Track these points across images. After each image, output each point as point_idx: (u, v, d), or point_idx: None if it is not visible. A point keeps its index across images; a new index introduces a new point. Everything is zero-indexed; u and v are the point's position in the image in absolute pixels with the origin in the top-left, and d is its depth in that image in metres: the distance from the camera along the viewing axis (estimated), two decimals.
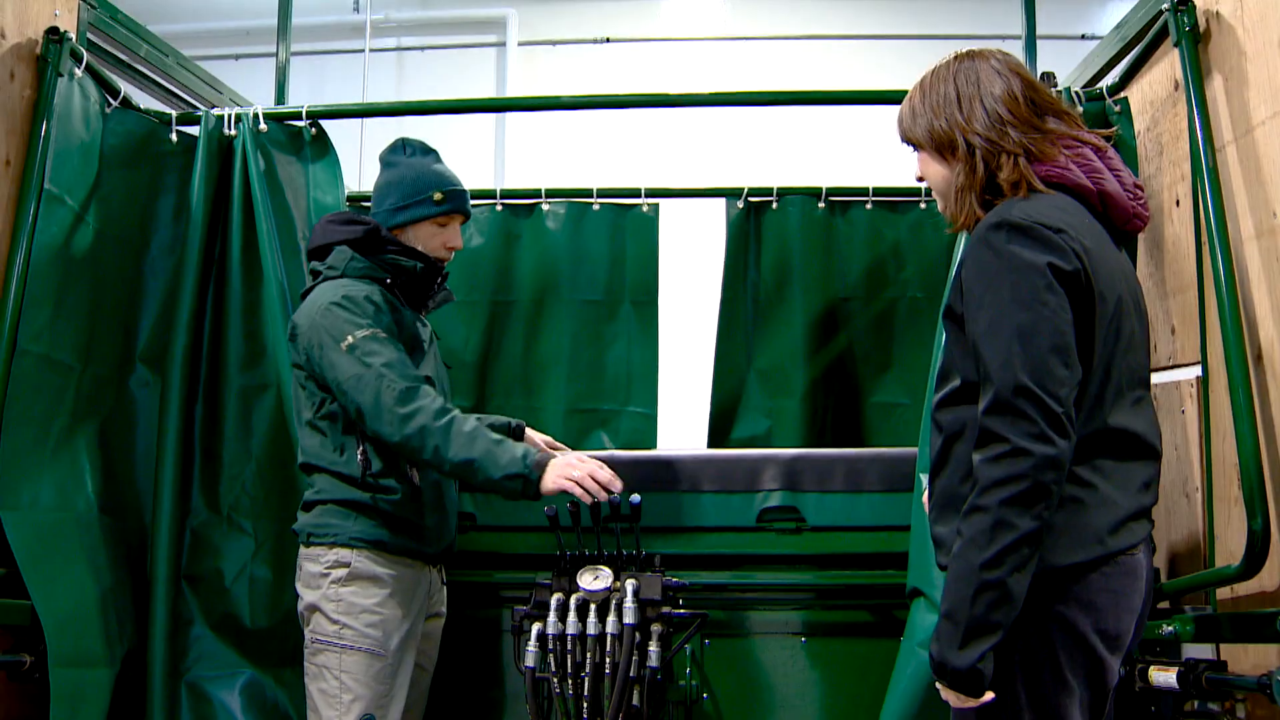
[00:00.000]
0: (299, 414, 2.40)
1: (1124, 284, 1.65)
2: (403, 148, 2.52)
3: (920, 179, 1.82)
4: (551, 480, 2.18)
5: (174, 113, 2.91)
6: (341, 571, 2.27)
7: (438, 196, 2.46)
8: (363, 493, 2.29)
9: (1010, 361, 1.51)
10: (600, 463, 2.24)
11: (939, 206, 1.81)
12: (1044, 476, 1.47)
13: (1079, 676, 1.55)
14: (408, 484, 2.32)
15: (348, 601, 2.25)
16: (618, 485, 2.24)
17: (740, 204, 3.56)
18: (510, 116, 5.71)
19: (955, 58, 1.75)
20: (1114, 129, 2.35)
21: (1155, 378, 2.66)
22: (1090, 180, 1.66)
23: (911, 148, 1.81)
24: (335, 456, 2.31)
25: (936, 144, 1.73)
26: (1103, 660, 1.57)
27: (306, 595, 2.30)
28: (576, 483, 2.19)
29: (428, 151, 2.54)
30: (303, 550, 2.34)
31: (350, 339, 2.24)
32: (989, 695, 1.52)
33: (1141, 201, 1.71)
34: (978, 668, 1.48)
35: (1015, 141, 1.66)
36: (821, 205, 3.54)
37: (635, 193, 3.60)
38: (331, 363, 2.24)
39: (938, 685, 1.56)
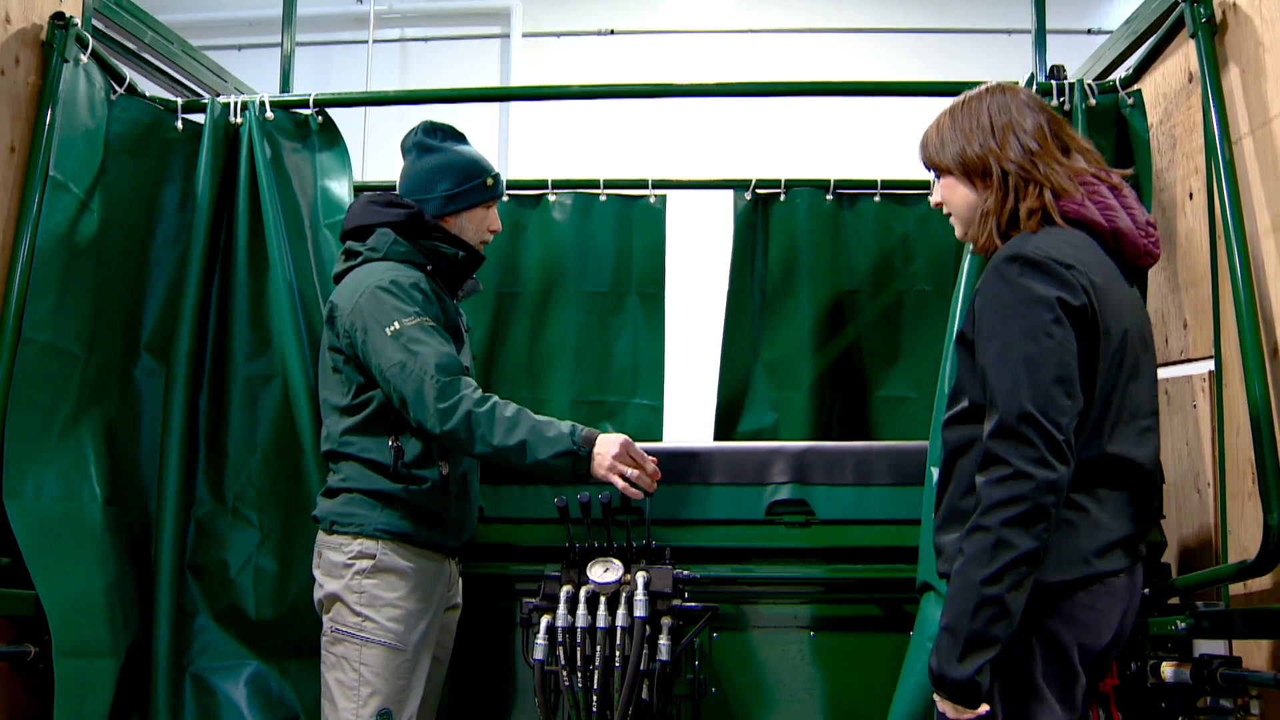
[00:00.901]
0: (326, 399, 2.37)
1: (1131, 318, 1.71)
2: (434, 132, 2.49)
3: (938, 205, 1.87)
4: (603, 470, 2.18)
5: (179, 100, 2.88)
6: (366, 563, 2.24)
7: (489, 181, 2.47)
8: (392, 483, 2.26)
9: (1016, 389, 1.58)
10: (647, 455, 2.23)
11: (957, 232, 1.87)
12: (1044, 499, 1.54)
13: (1053, 687, 1.62)
14: (438, 476, 2.29)
15: (370, 594, 2.23)
16: (656, 478, 2.25)
17: (748, 196, 3.54)
18: (514, 108, 5.68)
19: (986, 90, 1.84)
20: (1131, 169, 2.38)
21: (1167, 372, 2.65)
22: (1104, 217, 1.74)
23: (934, 174, 1.87)
24: (367, 443, 2.28)
25: (967, 169, 1.79)
26: (1077, 673, 1.64)
27: (328, 584, 2.27)
28: (630, 482, 2.18)
29: (460, 136, 2.52)
30: (323, 537, 2.31)
31: (397, 325, 2.21)
32: (984, 708, 1.58)
33: (1153, 239, 1.79)
34: (975, 679, 1.55)
35: (1043, 174, 1.74)
36: (829, 197, 3.53)
37: (642, 184, 3.58)
38: (375, 349, 2.21)
39: (935, 697, 1.62)
